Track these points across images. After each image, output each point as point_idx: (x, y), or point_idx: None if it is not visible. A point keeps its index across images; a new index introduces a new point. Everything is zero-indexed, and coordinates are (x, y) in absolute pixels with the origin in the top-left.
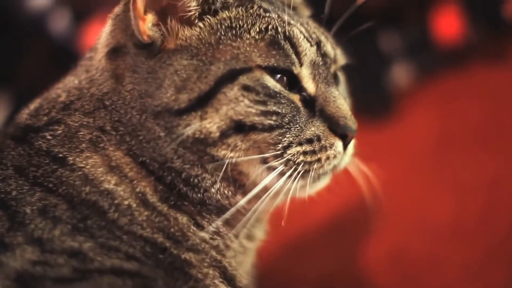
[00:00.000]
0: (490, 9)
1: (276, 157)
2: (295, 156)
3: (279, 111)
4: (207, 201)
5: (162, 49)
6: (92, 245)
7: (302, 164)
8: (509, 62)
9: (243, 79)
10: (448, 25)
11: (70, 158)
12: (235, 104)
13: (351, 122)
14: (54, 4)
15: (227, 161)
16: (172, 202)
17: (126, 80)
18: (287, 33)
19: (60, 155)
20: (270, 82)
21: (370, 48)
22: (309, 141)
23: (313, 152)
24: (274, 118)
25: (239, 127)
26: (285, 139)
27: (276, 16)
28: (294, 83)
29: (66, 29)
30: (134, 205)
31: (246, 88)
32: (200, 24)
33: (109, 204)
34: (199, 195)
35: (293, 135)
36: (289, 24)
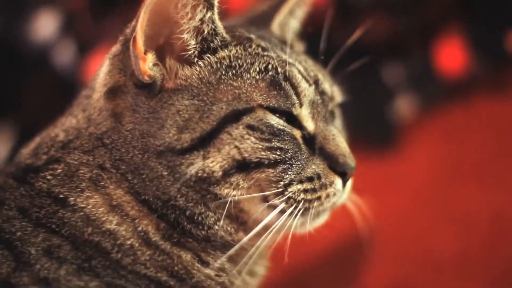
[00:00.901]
0: (493, 41)
1: (277, 194)
2: (296, 194)
3: (283, 147)
4: (211, 238)
5: (162, 88)
6: (98, 284)
7: (302, 202)
8: None
9: (247, 119)
10: (451, 57)
11: (71, 198)
12: (240, 142)
13: (350, 160)
14: (58, 36)
15: (229, 199)
16: (175, 240)
17: (126, 120)
18: (286, 73)
19: (61, 196)
20: (274, 120)
21: (373, 80)
22: (310, 179)
23: (314, 190)
24: (278, 153)
25: (242, 166)
26: (287, 176)
27: (275, 55)
28: (293, 122)
29: (70, 61)
30: (137, 244)
31: (250, 127)
32: (200, 63)
33: (111, 245)
34: (203, 232)
35: (295, 172)
36: (288, 63)
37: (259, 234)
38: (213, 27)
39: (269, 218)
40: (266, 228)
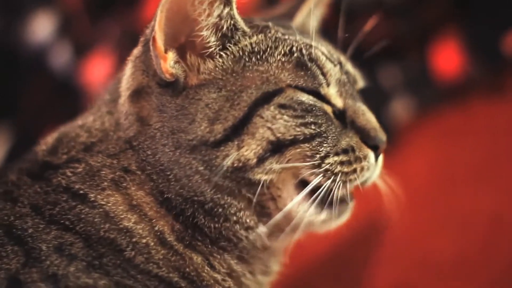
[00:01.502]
0: (489, 44)
1: (313, 168)
2: (333, 166)
3: (316, 121)
4: (223, 233)
5: (186, 85)
6: (107, 283)
7: (340, 174)
8: (509, 97)
9: (278, 99)
10: (448, 60)
11: (92, 195)
12: (272, 123)
13: (381, 134)
14: (55, 38)
15: (262, 181)
16: (187, 242)
17: (154, 120)
18: (312, 54)
19: (81, 192)
20: (304, 97)
21: (370, 82)
22: (345, 151)
23: (349, 163)
24: (313, 127)
25: (276, 148)
26: (323, 148)
27: (298, 38)
28: (322, 101)
29: (67, 64)
30: (152, 243)
31: (282, 106)
32: (222, 54)
33: (127, 242)
34: (217, 225)
35: (330, 145)
36: (312, 46)
37: (276, 234)
38: (232, 22)
39: (300, 196)
40: (287, 222)
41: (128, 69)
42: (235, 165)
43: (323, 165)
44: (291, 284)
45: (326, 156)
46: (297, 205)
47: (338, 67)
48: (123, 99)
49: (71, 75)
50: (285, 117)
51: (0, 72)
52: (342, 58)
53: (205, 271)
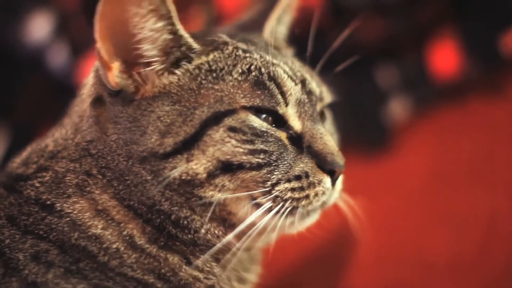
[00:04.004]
0: (487, 43)
1: (264, 194)
2: (283, 192)
3: (267, 149)
4: (199, 242)
5: (136, 95)
6: (86, 287)
7: (290, 201)
8: (506, 97)
9: (229, 121)
10: (445, 59)
11: (58, 204)
12: (222, 145)
13: (339, 158)
14: (52, 39)
15: (215, 201)
16: (162, 243)
17: (110, 131)
18: (271, 73)
19: (48, 202)
20: (256, 121)
21: (367, 82)
22: (298, 177)
23: (302, 189)
24: (262, 156)
25: (227, 167)
26: (274, 176)
27: (259, 56)
28: (280, 122)
29: (64, 64)
30: (122, 248)
31: (232, 129)
32: (177, 71)
33: (98, 249)
34: (189, 236)
35: (282, 172)
36: (273, 64)
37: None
38: (171, 37)
39: (254, 216)
40: (252, 227)
41: (91, 78)
42: (183, 177)
43: (273, 191)
44: (279, 283)
45: (277, 183)
46: (257, 218)
47: (299, 86)
48: (85, 105)
49: (69, 75)
50: (233, 141)
51: None
52: (307, 75)
53: (183, 270)
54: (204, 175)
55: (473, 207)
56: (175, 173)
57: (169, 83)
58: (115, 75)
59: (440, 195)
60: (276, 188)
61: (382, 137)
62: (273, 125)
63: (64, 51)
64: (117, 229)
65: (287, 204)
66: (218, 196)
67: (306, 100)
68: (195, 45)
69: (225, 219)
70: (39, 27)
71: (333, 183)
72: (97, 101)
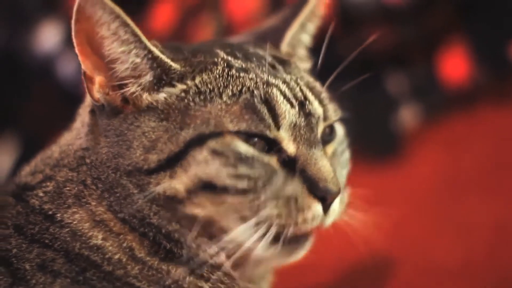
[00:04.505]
0: (496, 51)
1: (249, 216)
2: (269, 216)
3: (251, 174)
4: (193, 257)
5: (126, 110)
6: None
7: (276, 226)
8: None
9: (212, 144)
10: (454, 67)
11: (58, 214)
12: (205, 166)
13: (332, 185)
14: (61, 48)
15: (198, 218)
16: (162, 255)
17: (101, 143)
18: (265, 95)
19: (50, 212)
20: (241, 147)
21: (377, 90)
22: (286, 202)
23: (289, 214)
24: (246, 182)
25: (208, 187)
26: (259, 200)
27: (254, 75)
28: (272, 145)
29: (73, 73)
30: (124, 259)
31: (215, 152)
32: (162, 92)
33: (101, 259)
34: (183, 250)
35: (269, 196)
36: (268, 84)
37: (241, 261)
38: (139, 60)
39: (238, 235)
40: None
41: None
42: (167, 194)
43: (259, 215)
44: None
45: (264, 207)
46: (246, 237)
47: (296, 108)
48: (85, 112)
49: (77, 84)
50: (217, 164)
51: (7, 81)
52: (310, 95)
53: (187, 281)
54: (184, 194)
55: (483, 213)
56: (159, 189)
57: (156, 101)
58: (96, 90)
59: (450, 202)
60: (262, 213)
61: (392, 145)
62: (266, 147)
63: (73, 60)
64: (116, 241)
65: (272, 229)
66: (200, 213)
67: (303, 123)
68: (175, 66)
69: (215, 236)
70: (48, 36)
71: (326, 209)
72: (93, 111)
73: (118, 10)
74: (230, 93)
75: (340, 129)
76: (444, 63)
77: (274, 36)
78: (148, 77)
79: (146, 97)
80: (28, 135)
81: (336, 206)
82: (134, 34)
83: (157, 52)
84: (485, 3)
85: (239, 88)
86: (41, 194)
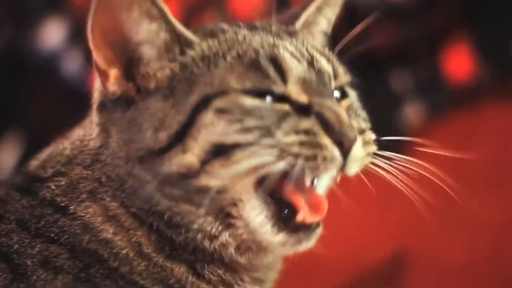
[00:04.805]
0: (500, 49)
1: (270, 154)
2: (290, 145)
3: (261, 123)
4: (191, 245)
5: (139, 98)
6: None
7: (298, 157)
8: None
9: (217, 102)
10: (459, 65)
11: (72, 207)
12: (212, 127)
13: (348, 129)
14: (66, 46)
15: (212, 188)
16: (168, 252)
17: (112, 133)
18: (270, 54)
19: (62, 204)
20: (247, 101)
21: (381, 87)
22: (305, 132)
23: (310, 145)
24: (256, 131)
25: (219, 151)
26: (276, 136)
27: (260, 39)
28: (282, 100)
29: (78, 71)
30: (132, 254)
31: (221, 110)
32: (173, 65)
33: (108, 253)
34: (181, 236)
35: (286, 130)
36: (274, 45)
37: (245, 247)
38: (168, 35)
39: (254, 162)
40: (250, 239)
41: (97, 83)
42: (181, 171)
43: (280, 143)
44: None
45: (286, 134)
46: (256, 216)
47: (304, 64)
48: (93, 111)
49: (82, 82)
50: (223, 122)
51: (11, 80)
52: (317, 54)
53: (190, 282)
54: (198, 164)
55: (487, 212)
56: (172, 167)
57: (165, 78)
58: (112, 83)
59: (454, 200)
60: (283, 139)
61: (396, 142)
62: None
63: (78, 58)
64: (126, 236)
65: (298, 161)
66: (214, 183)
67: (314, 78)
68: (193, 38)
69: (226, 213)
70: (52, 34)
71: (345, 154)
72: (103, 107)
73: None
74: (234, 54)
75: (353, 93)
76: (448, 61)
77: (291, 21)
78: (173, 51)
79: (159, 75)
80: (33, 133)
81: (358, 151)
82: (161, 9)
83: (178, 25)
84: (489, 1)
85: (244, 49)
86: (53, 187)
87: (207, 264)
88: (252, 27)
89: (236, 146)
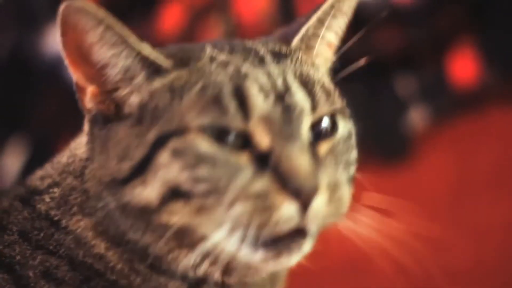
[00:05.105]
0: (505, 52)
1: (221, 217)
2: (240, 218)
3: (213, 175)
4: (176, 274)
5: (109, 119)
6: None
7: (248, 225)
8: None
9: (173, 143)
10: (464, 68)
11: (63, 221)
12: (167, 169)
13: (305, 181)
14: None
15: (173, 227)
16: (159, 269)
17: (95, 153)
18: (237, 87)
19: (56, 218)
20: (202, 145)
21: (385, 92)
22: (255, 197)
23: (259, 211)
24: (206, 183)
25: (177, 193)
26: (226, 199)
27: (233, 68)
28: (244, 139)
29: None
30: (126, 269)
31: (176, 152)
32: (142, 92)
33: (104, 267)
34: (164, 266)
35: (236, 195)
36: (245, 76)
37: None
38: (131, 61)
39: (215, 239)
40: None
41: None
42: (142, 204)
43: (230, 214)
44: None
45: (232, 204)
46: (228, 242)
47: (271, 100)
48: (85, 122)
49: None
50: (177, 166)
51: (15, 84)
52: (294, 85)
53: None
54: (157, 202)
55: (493, 215)
56: (133, 200)
57: (135, 105)
58: (88, 100)
59: (460, 204)
60: (231, 213)
61: (401, 147)
62: (241, 143)
63: None
64: (118, 251)
65: (250, 231)
66: (175, 221)
67: (280, 116)
68: (164, 64)
69: (195, 245)
70: (57, 39)
71: (304, 208)
72: (92, 120)
73: (102, 14)
74: (199, 87)
75: (345, 126)
76: (453, 64)
77: (292, 35)
78: (140, 78)
79: (129, 101)
80: (37, 137)
81: (320, 206)
82: (121, 35)
83: (146, 50)
84: (494, 4)
85: (211, 80)
86: (48, 200)
87: (200, 284)
88: (234, 50)
89: (190, 194)
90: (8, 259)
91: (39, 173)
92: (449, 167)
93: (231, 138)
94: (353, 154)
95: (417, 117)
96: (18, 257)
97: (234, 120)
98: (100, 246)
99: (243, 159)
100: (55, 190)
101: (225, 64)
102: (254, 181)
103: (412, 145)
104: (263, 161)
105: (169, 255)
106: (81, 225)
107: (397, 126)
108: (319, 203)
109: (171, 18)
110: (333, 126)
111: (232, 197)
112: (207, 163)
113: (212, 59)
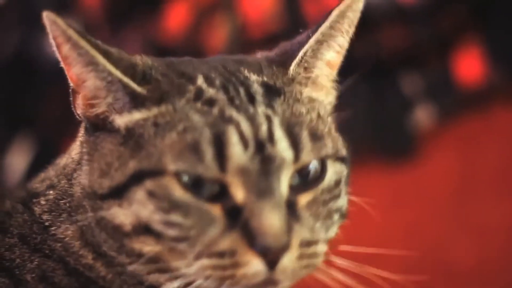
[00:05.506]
0: (511, 51)
1: (189, 263)
2: (203, 268)
3: (184, 223)
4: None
5: (101, 125)
6: None
7: (210, 279)
8: None
9: (149, 183)
10: (469, 67)
11: (53, 228)
12: (141, 206)
13: (273, 241)
14: None
15: (145, 256)
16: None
17: (83, 159)
18: (217, 134)
19: (47, 224)
20: (176, 191)
21: (391, 90)
22: (221, 254)
23: (224, 268)
24: (177, 230)
25: (150, 230)
26: (193, 250)
27: (217, 110)
28: (221, 187)
29: None
30: (118, 281)
31: (151, 193)
32: (126, 115)
33: (95, 276)
34: (145, 284)
35: (203, 246)
36: (227, 121)
37: None
38: (104, 84)
39: (185, 274)
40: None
41: None
42: (115, 224)
43: (194, 265)
44: None
45: (198, 257)
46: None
47: (250, 151)
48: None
49: None
50: (151, 206)
51: (20, 83)
52: (280, 135)
53: None
54: (130, 228)
55: (497, 214)
56: (108, 216)
57: (120, 124)
58: (78, 103)
59: (465, 203)
60: (196, 263)
61: (407, 145)
62: (217, 193)
63: None
64: (105, 262)
65: (209, 281)
66: (146, 251)
67: (257, 168)
68: (139, 90)
69: (170, 271)
70: None
71: (272, 265)
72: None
73: (70, 32)
74: (181, 129)
75: (334, 172)
76: (458, 63)
77: (292, 54)
78: (110, 99)
79: (113, 119)
80: (43, 137)
81: (289, 263)
82: (90, 56)
83: (118, 74)
84: (499, 3)
85: (192, 124)
86: (43, 202)
87: None
88: (226, 81)
89: (159, 235)
90: (8, 262)
91: (42, 175)
92: (454, 166)
93: (206, 187)
94: (339, 202)
95: (422, 116)
96: (17, 260)
97: (209, 170)
98: (88, 257)
99: (216, 211)
100: (51, 192)
101: (210, 104)
102: (223, 237)
103: (417, 144)
104: (237, 213)
105: (149, 276)
106: (68, 234)
107: (403, 124)
108: (288, 260)
109: (176, 17)
110: (323, 168)
111: (199, 251)
112: (180, 210)
113: (199, 95)
